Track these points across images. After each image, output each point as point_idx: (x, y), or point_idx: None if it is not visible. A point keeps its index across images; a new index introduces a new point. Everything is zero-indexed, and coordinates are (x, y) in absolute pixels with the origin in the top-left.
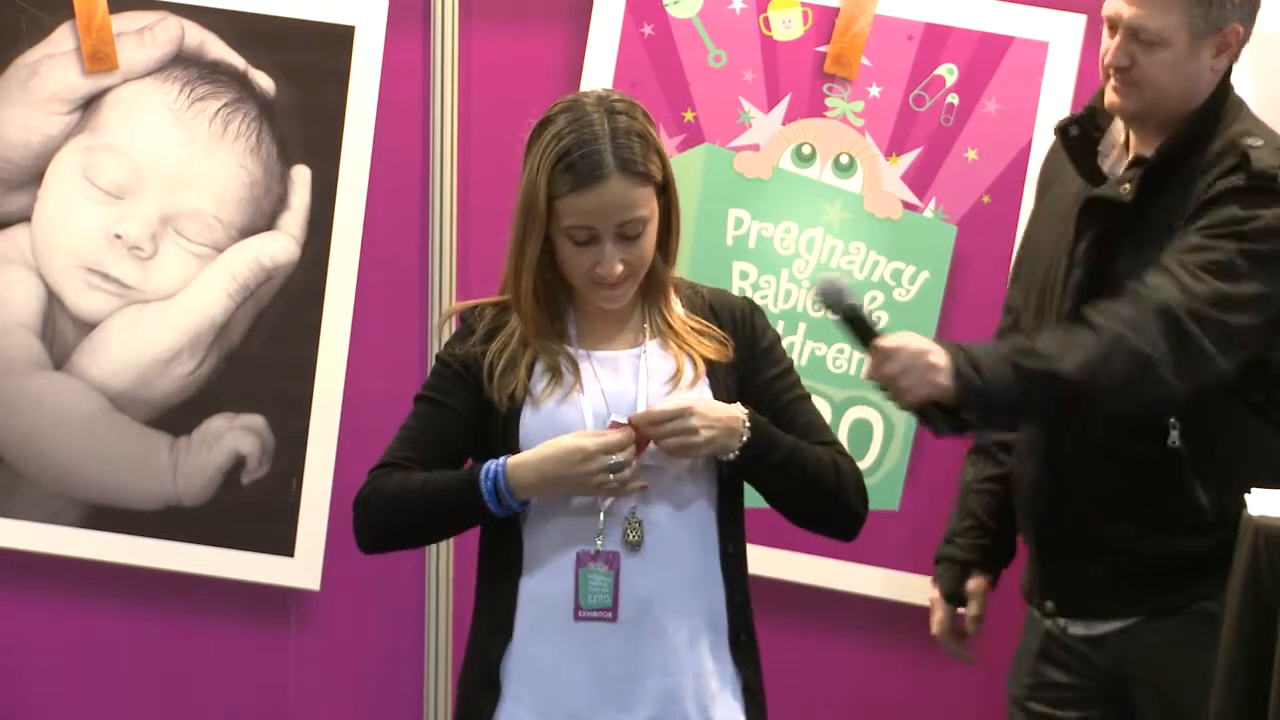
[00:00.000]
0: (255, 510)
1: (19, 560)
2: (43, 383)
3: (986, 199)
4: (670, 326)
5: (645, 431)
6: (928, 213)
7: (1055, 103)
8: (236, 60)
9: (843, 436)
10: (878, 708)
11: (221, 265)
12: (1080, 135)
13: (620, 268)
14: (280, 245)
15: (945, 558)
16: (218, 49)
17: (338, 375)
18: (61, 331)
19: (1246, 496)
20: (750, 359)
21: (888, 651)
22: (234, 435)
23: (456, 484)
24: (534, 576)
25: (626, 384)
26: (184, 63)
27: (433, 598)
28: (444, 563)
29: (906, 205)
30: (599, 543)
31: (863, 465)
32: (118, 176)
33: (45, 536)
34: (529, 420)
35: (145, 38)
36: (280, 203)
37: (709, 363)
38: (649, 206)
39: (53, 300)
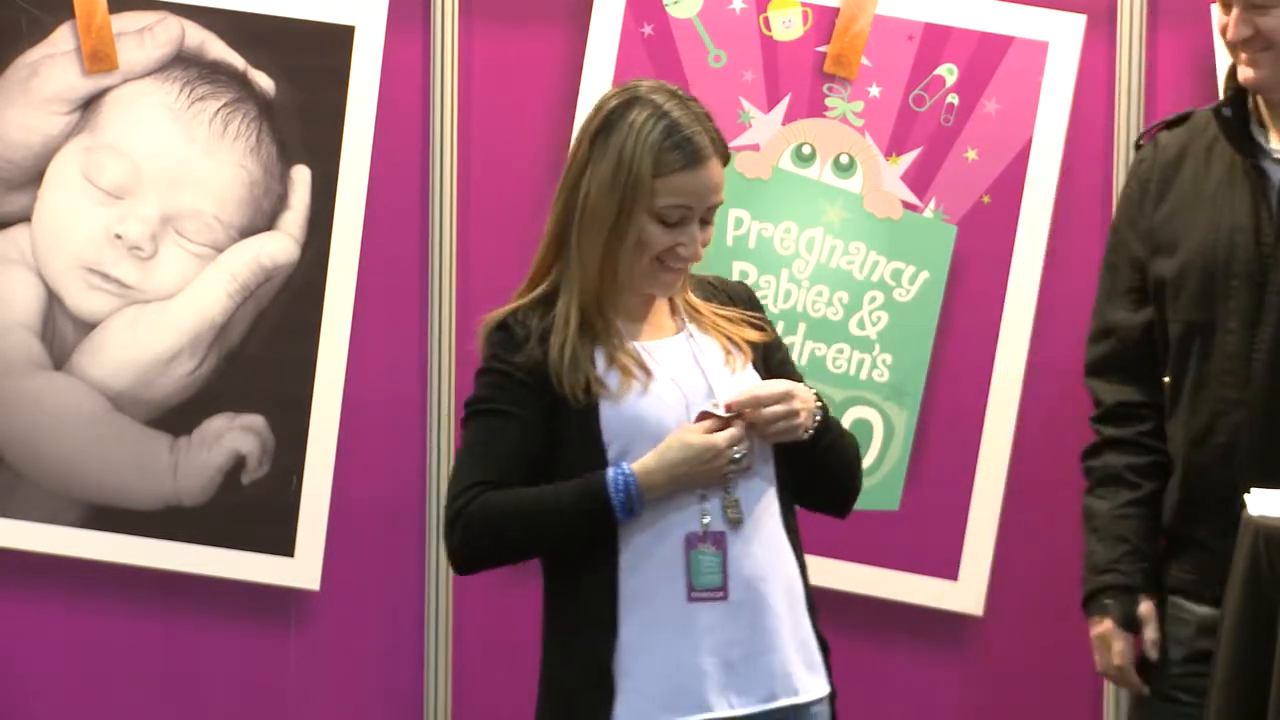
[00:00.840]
0: (255, 510)
1: (19, 560)
2: (43, 383)
3: (986, 199)
4: (695, 310)
5: (749, 416)
6: (928, 213)
7: (1055, 103)
8: (236, 60)
9: None
10: (878, 707)
11: (221, 265)
12: (1233, 117)
13: (700, 249)
14: (280, 245)
15: (1111, 586)
16: (218, 49)
17: (338, 375)
18: (61, 331)
19: (1246, 496)
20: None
21: (887, 651)
22: (234, 435)
23: (574, 498)
24: (635, 567)
25: (690, 370)
26: (184, 63)
27: (433, 598)
28: (444, 563)
29: (906, 205)
30: (706, 523)
31: (863, 465)
32: (118, 176)
33: (45, 536)
34: (609, 415)
35: (145, 38)
36: (280, 203)
37: (751, 345)
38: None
39: (53, 300)
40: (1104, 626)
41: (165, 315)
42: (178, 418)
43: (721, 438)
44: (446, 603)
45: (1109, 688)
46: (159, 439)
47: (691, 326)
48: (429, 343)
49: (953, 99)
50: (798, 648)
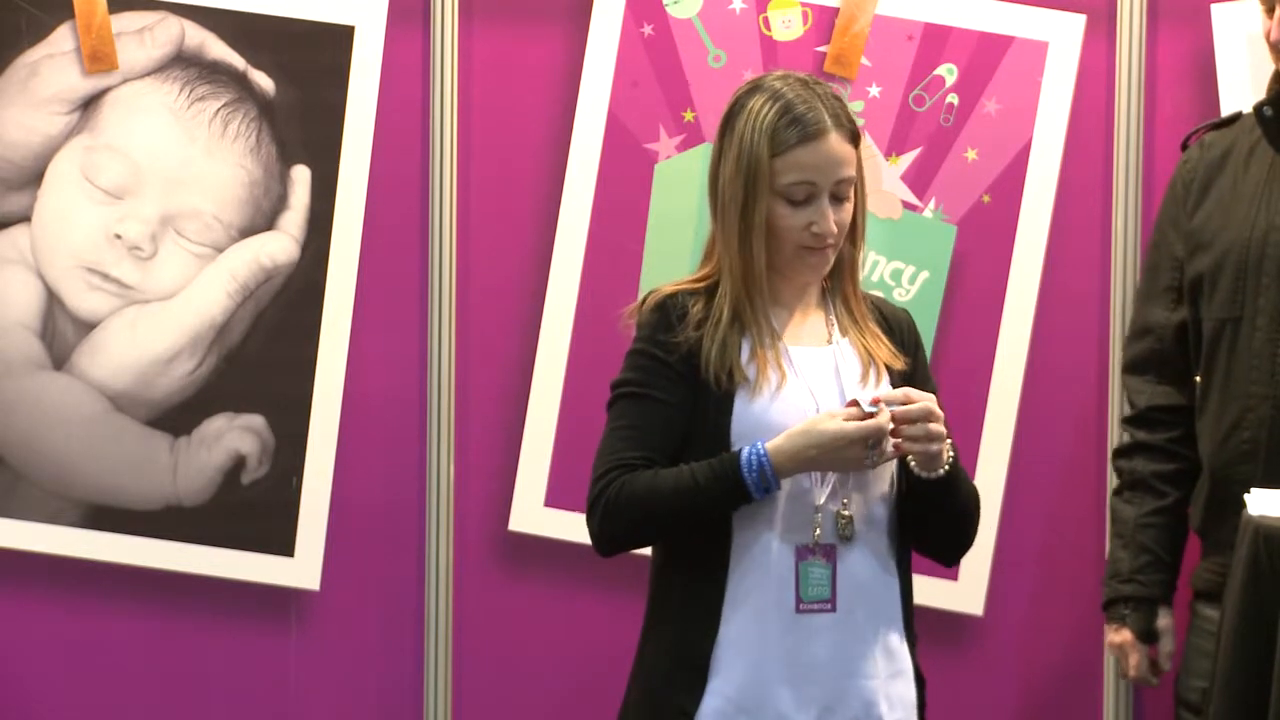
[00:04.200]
0: (255, 510)
1: (19, 560)
2: (43, 383)
3: (986, 199)
4: (854, 319)
5: (895, 414)
6: (928, 213)
7: (1055, 103)
8: (236, 60)
9: None
10: None
11: (221, 265)
12: (1274, 116)
13: (834, 226)
14: (280, 245)
15: (1131, 597)
16: (218, 49)
17: (338, 375)
18: (61, 331)
19: (1246, 497)
20: (914, 373)
21: None
22: (234, 435)
23: (709, 476)
24: (744, 570)
25: (829, 382)
26: (184, 63)
27: (433, 598)
28: (444, 563)
29: (906, 205)
30: (817, 535)
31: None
32: (118, 176)
33: (45, 536)
34: (740, 409)
35: (145, 38)
36: (280, 202)
37: (889, 369)
38: (856, 168)
39: (53, 300)
40: (1122, 636)
41: (165, 315)
42: (178, 418)
43: (854, 428)
44: (446, 603)
45: (1109, 688)
46: (159, 439)
47: (840, 338)
48: (429, 343)
49: (953, 99)
50: (890, 676)
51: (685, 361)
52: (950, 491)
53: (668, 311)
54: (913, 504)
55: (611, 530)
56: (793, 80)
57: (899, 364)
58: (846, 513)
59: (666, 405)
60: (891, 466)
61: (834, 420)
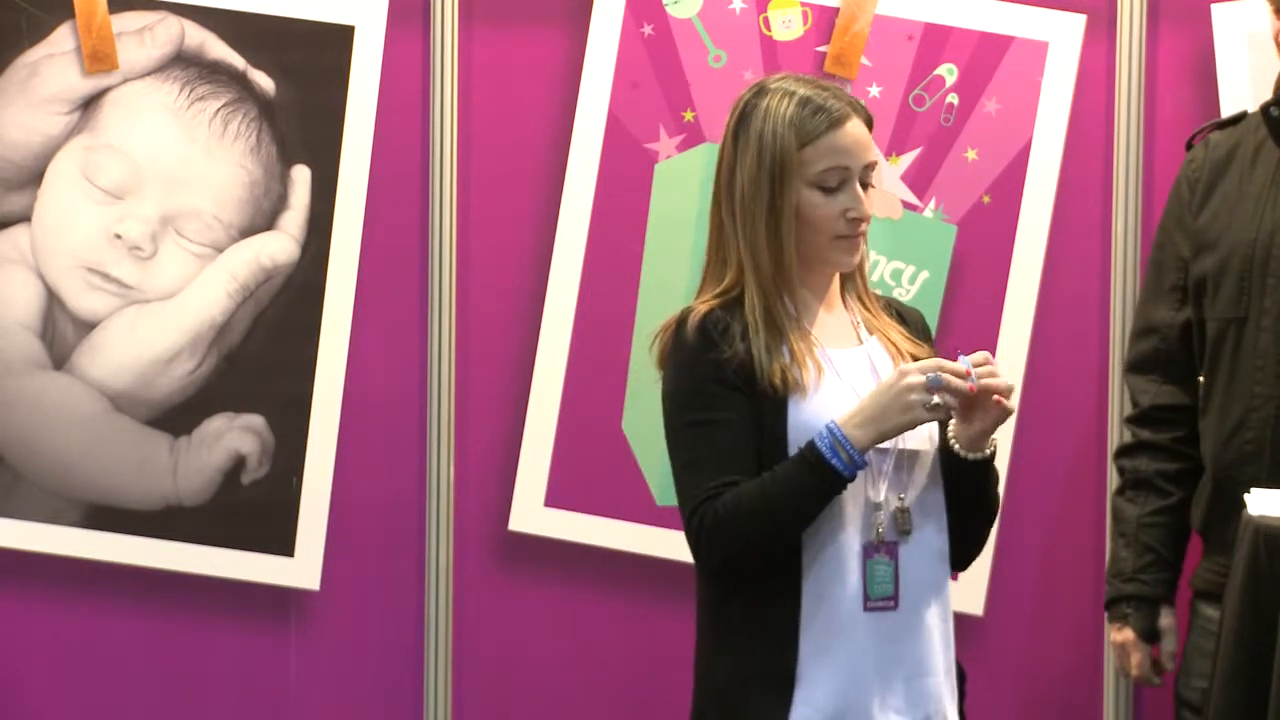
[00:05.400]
0: (255, 510)
1: (19, 560)
2: (43, 383)
3: (986, 199)
4: (874, 317)
5: (979, 371)
6: (928, 213)
7: (1055, 103)
8: (236, 60)
9: None
10: None
11: (221, 265)
12: None
13: (867, 209)
14: (280, 245)
15: (1134, 596)
16: (218, 49)
17: (338, 375)
18: (61, 331)
19: (1246, 496)
20: None
21: None
22: (234, 435)
23: (797, 476)
24: (818, 575)
25: (869, 382)
26: (184, 63)
27: (433, 598)
28: (444, 563)
29: (906, 205)
30: (880, 532)
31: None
32: (118, 176)
33: (45, 536)
34: (794, 414)
35: (145, 38)
36: (280, 202)
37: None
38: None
39: (53, 300)
40: (1124, 635)
41: (165, 315)
42: (178, 418)
43: (912, 366)
44: (446, 603)
45: (1109, 688)
46: (159, 439)
47: (868, 336)
48: (429, 343)
49: (953, 99)
50: (946, 671)
51: (739, 375)
52: (984, 478)
53: (709, 330)
54: (946, 491)
55: (722, 558)
56: (799, 78)
57: (923, 356)
58: (905, 508)
59: (733, 425)
60: (937, 463)
61: (893, 372)
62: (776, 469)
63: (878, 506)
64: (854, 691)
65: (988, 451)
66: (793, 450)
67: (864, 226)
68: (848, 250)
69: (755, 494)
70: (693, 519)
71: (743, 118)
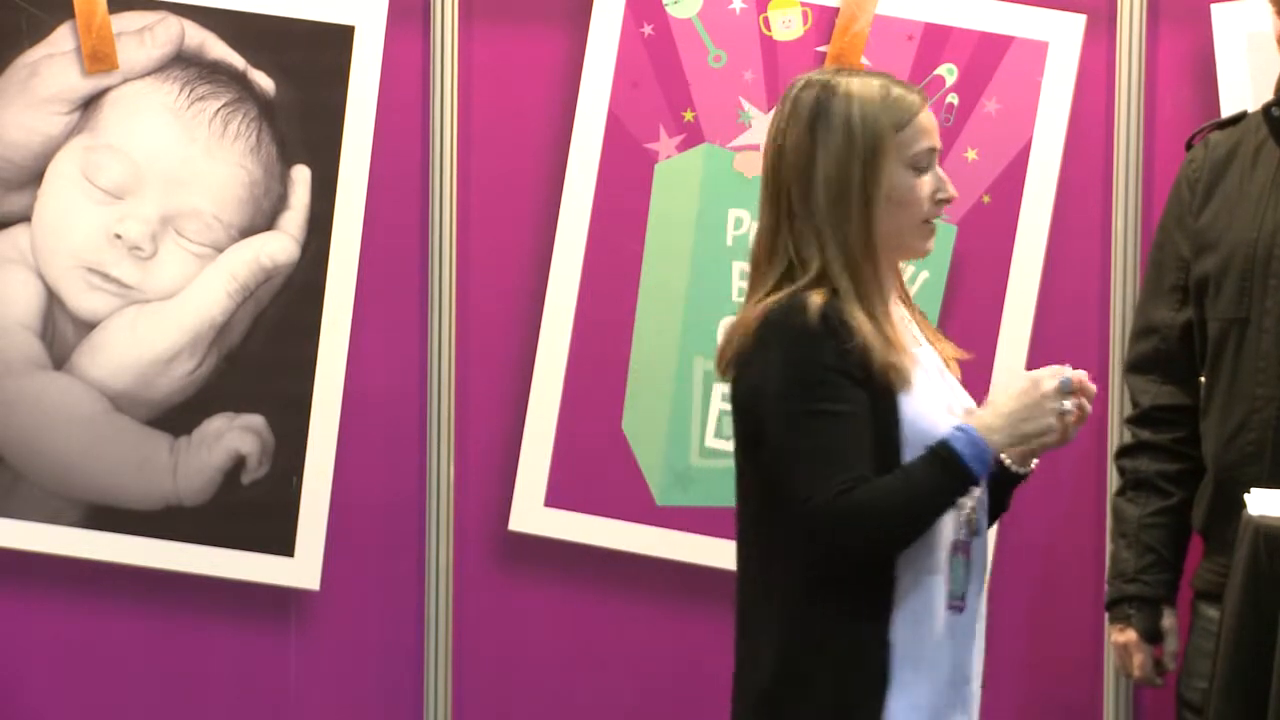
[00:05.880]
0: (255, 510)
1: (19, 560)
2: (43, 383)
3: (986, 199)
4: (913, 314)
5: (1083, 382)
6: None
7: (1055, 103)
8: (236, 60)
9: None
10: None
11: (221, 265)
12: None
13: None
14: (280, 245)
15: (1136, 597)
16: (218, 49)
17: (338, 375)
18: (61, 331)
19: (1246, 496)
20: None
21: None
22: (234, 435)
23: (932, 472)
24: (904, 573)
25: (939, 378)
26: (184, 63)
27: (433, 598)
28: (444, 563)
29: None
30: (966, 529)
31: None
32: (118, 176)
33: (45, 536)
34: (904, 407)
35: (145, 38)
36: (280, 202)
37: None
38: None
39: (53, 300)
40: (1126, 636)
41: (165, 315)
42: (178, 418)
43: (1043, 372)
44: (446, 603)
45: (1109, 688)
46: (159, 439)
47: (920, 336)
48: (429, 343)
49: (953, 99)
50: (979, 678)
51: (859, 368)
52: (1012, 492)
53: (831, 319)
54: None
55: (855, 547)
56: (844, 69)
57: (960, 359)
58: (975, 507)
59: (856, 418)
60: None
61: (1020, 377)
62: (909, 467)
63: (961, 504)
64: (942, 691)
65: (1032, 466)
66: (905, 446)
67: (946, 210)
68: (929, 235)
69: (894, 490)
70: (822, 511)
71: (820, 108)
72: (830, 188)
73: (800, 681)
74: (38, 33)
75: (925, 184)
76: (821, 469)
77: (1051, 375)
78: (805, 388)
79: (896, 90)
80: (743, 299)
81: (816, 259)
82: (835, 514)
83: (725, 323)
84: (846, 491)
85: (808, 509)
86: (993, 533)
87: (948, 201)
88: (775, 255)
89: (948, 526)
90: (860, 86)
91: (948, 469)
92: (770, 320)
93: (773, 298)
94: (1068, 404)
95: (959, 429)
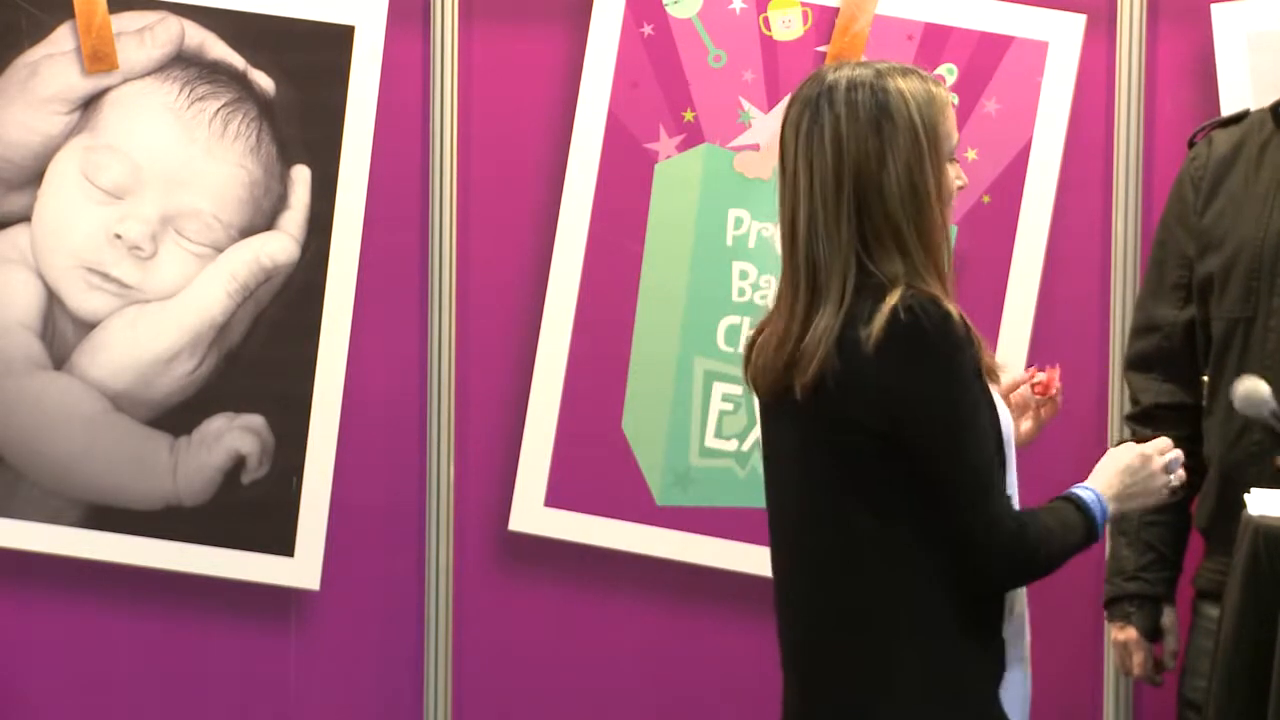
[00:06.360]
0: (255, 510)
1: (19, 560)
2: (43, 383)
3: (986, 199)
4: None
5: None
6: None
7: (1055, 103)
8: (236, 60)
9: None
10: None
11: (221, 265)
12: None
13: None
14: (280, 245)
15: (1136, 594)
16: (218, 49)
17: (338, 375)
18: (61, 331)
19: (1246, 496)
20: None
21: None
22: (234, 435)
23: (1075, 526)
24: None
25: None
26: (184, 63)
27: (433, 598)
28: (444, 563)
29: None
30: None
31: None
32: (118, 176)
33: (45, 536)
34: (1001, 412)
35: (145, 38)
36: (280, 202)
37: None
38: None
39: (53, 300)
40: (1126, 634)
41: (165, 315)
42: (178, 418)
43: (1150, 447)
44: (446, 603)
45: (1109, 688)
46: (159, 439)
47: None
48: (429, 343)
49: (953, 99)
50: None
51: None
52: None
53: (968, 325)
54: None
55: (1021, 579)
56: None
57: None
58: None
59: (993, 428)
60: None
61: (1130, 450)
62: (1063, 516)
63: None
64: (1023, 691)
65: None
66: (1006, 445)
67: None
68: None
69: (1055, 535)
70: (1011, 541)
71: (880, 105)
72: (904, 188)
73: (953, 683)
74: (38, 33)
75: (954, 175)
76: (995, 484)
77: (1159, 452)
78: (974, 397)
79: (932, 83)
80: (744, 299)
81: (898, 261)
82: (1017, 540)
83: (760, 341)
84: (1017, 518)
85: (992, 524)
86: None
87: (961, 188)
88: (836, 260)
89: None
90: (905, 82)
91: (1089, 534)
92: (918, 328)
93: (886, 302)
94: (1174, 479)
95: (1096, 494)
